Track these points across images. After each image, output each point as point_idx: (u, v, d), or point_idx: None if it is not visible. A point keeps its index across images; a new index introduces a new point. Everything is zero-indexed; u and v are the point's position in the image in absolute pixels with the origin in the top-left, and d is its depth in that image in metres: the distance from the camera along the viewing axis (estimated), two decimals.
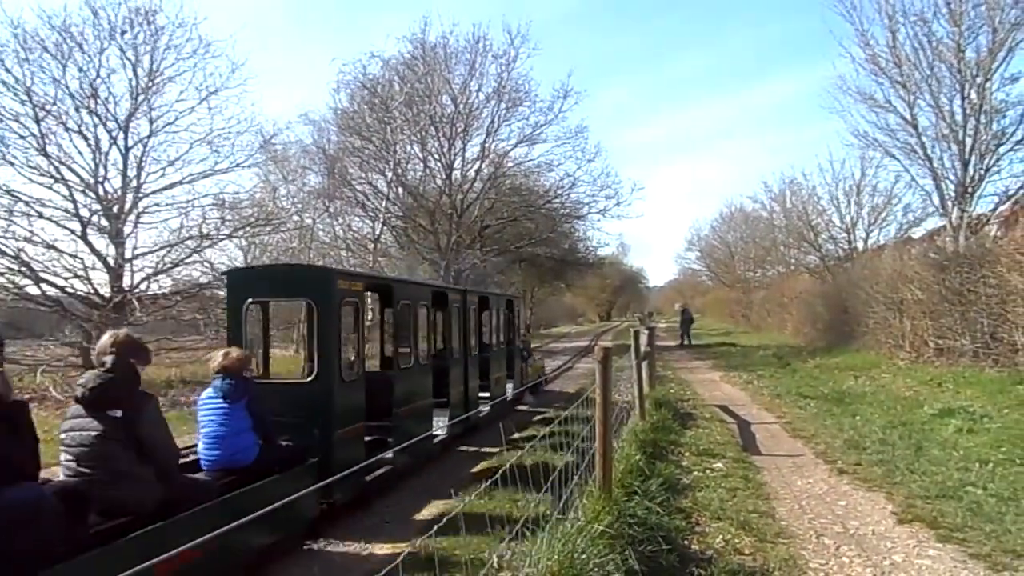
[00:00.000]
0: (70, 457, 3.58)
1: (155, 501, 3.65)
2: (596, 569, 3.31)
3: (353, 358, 6.30)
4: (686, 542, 4.32)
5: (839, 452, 6.87)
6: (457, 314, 9.51)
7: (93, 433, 3.54)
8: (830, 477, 6.01)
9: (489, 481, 3.81)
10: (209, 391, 4.79)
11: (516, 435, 8.52)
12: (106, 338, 3.84)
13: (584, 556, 3.33)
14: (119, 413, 3.58)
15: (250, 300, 5.85)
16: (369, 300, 9.89)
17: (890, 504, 5.09)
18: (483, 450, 8.32)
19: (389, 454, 6.29)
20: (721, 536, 4.45)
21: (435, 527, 2.70)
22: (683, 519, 4.77)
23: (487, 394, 10.42)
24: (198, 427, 4.91)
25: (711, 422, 8.97)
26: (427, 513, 5.76)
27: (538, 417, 10.26)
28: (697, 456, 6.83)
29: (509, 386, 11.93)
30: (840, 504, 5.20)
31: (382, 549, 4.86)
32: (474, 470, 7.22)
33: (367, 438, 6.23)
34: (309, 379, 5.53)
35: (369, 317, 10.39)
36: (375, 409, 6.34)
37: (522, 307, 16.06)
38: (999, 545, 4.13)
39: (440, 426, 8.04)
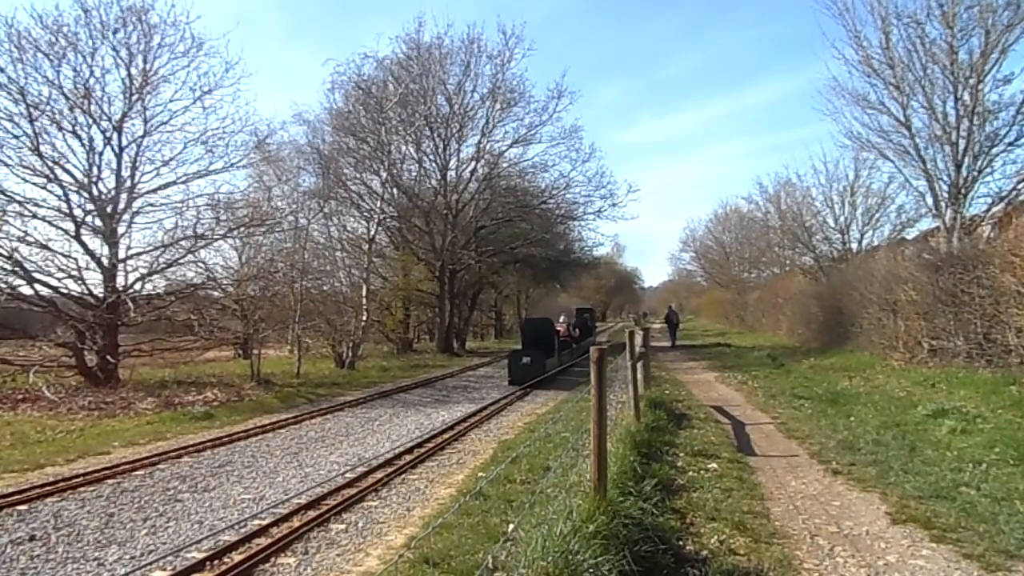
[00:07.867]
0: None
1: None
2: (591, 570, 3.30)
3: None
4: (681, 542, 4.32)
5: (833, 453, 6.89)
6: (590, 315, 26.97)
7: None
8: (824, 478, 6.03)
9: (483, 482, 3.80)
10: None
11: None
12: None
13: (579, 557, 3.33)
14: None
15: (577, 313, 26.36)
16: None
17: (884, 504, 5.11)
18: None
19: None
20: (716, 537, 4.45)
21: (430, 528, 2.69)
22: (678, 519, 4.77)
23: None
24: None
25: (706, 423, 8.98)
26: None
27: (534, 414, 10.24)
28: (692, 457, 6.84)
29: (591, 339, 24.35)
30: (834, 504, 5.21)
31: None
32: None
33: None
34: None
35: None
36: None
37: (593, 311, 30.56)
38: (992, 545, 4.15)
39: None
